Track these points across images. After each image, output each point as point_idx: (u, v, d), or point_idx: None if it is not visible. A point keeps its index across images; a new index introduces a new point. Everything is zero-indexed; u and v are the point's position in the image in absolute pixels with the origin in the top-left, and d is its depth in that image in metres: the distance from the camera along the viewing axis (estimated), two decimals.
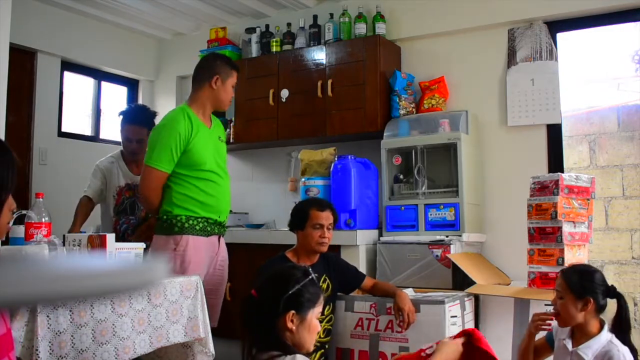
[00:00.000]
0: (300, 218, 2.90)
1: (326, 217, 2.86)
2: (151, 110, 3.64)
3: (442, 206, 3.57)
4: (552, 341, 2.35)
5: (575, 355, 2.15)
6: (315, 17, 4.31)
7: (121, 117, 3.52)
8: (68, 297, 0.50)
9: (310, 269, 1.91)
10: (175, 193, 2.79)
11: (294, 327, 1.80)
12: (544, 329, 2.35)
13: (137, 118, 3.49)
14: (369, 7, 4.17)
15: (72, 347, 1.98)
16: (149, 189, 2.82)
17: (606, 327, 2.16)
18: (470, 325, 3.07)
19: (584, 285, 2.16)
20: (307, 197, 3.61)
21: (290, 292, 1.81)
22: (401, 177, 3.81)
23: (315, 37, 4.27)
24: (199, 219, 2.81)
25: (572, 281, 2.17)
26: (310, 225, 2.85)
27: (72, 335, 1.98)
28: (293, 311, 1.80)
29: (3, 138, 3.02)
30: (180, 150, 2.76)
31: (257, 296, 1.87)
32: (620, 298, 2.22)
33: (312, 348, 1.88)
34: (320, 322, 1.92)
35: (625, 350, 2.12)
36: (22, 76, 4.30)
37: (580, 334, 2.18)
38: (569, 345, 2.18)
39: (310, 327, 1.83)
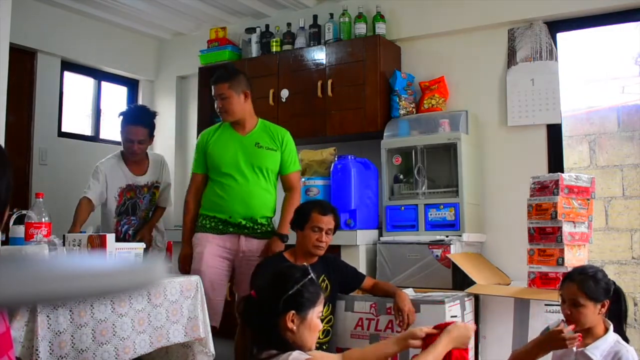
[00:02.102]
0: (301, 218, 2.90)
1: (327, 222, 2.86)
2: (151, 110, 3.64)
3: (442, 206, 3.57)
4: None
5: (582, 356, 2.14)
6: (315, 17, 4.31)
7: (121, 117, 3.52)
8: (68, 297, 0.50)
9: (309, 268, 1.91)
10: (204, 194, 3.13)
11: (294, 327, 1.80)
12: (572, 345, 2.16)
13: (138, 119, 3.49)
14: (369, 7, 4.17)
15: (72, 347, 1.98)
16: (187, 191, 3.21)
17: (611, 328, 2.16)
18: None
19: (600, 289, 2.14)
20: (312, 199, 3.61)
21: (289, 293, 1.81)
22: (401, 177, 3.81)
23: (315, 37, 4.27)
24: (210, 218, 3.05)
25: (589, 288, 2.12)
26: (309, 227, 2.85)
27: (72, 335, 1.98)
28: (293, 311, 1.79)
29: (3, 138, 3.02)
30: (201, 153, 3.12)
31: (257, 297, 1.87)
32: (619, 291, 2.23)
33: (314, 347, 1.87)
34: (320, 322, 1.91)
35: (632, 350, 2.12)
36: (22, 76, 4.30)
37: (586, 335, 2.17)
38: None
39: (311, 326, 1.83)
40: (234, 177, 3.02)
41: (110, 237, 2.30)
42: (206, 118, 4.51)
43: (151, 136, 3.55)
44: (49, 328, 1.91)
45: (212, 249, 3.00)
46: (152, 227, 3.56)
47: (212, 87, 3.09)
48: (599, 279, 2.16)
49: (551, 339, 2.16)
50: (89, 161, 3.82)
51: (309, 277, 1.85)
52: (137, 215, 3.54)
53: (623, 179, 4.05)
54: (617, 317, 2.21)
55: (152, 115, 3.58)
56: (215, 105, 3.09)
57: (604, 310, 2.15)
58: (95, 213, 3.55)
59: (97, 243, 2.26)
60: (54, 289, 0.48)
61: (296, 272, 1.87)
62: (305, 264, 2.49)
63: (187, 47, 5.03)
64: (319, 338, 2.76)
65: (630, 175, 4.03)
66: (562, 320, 2.26)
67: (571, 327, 2.13)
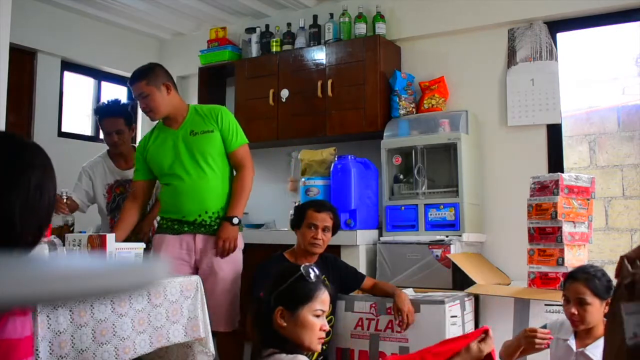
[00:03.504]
0: (298, 217, 2.93)
1: (322, 219, 2.86)
2: (125, 101, 3.68)
3: (442, 206, 3.57)
4: None
5: (582, 356, 2.14)
6: (315, 17, 4.31)
7: (96, 114, 3.56)
8: (68, 297, 0.50)
9: (307, 266, 1.93)
10: (160, 198, 3.11)
11: (284, 323, 1.82)
12: (538, 349, 2.21)
13: (111, 110, 3.47)
14: (369, 7, 4.17)
15: (72, 347, 1.98)
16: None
17: None
18: (470, 325, 3.07)
19: (606, 287, 2.15)
20: (312, 199, 3.61)
21: (280, 289, 1.85)
22: (401, 177, 3.81)
23: (315, 37, 4.27)
24: (165, 219, 3.01)
25: (596, 286, 2.13)
26: (305, 224, 2.86)
27: (72, 335, 1.98)
28: (282, 307, 1.83)
29: None
30: (141, 161, 3.06)
31: (262, 297, 1.92)
32: None
33: (316, 347, 1.87)
34: None
35: None
36: (22, 76, 4.30)
37: (586, 334, 2.17)
38: (574, 346, 2.18)
39: (302, 323, 1.83)
40: (178, 176, 2.90)
41: (110, 237, 2.29)
42: None
43: (129, 125, 3.50)
44: (49, 328, 1.91)
45: (168, 253, 2.91)
46: (152, 221, 3.48)
47: (131, 89, 2.95)
48: (601, 277, 2.17)
49: (525, 338, 2.19)
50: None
51: (299, 273, 1.88)
52: None
53: (623, 179, 4.05)
54: None
55: (126, 105, 3.58)
56: (140, 107, 2.97)
57: (607, 309, 2.15)
58: (96, 214, 3.55)
59: (97, 243, 2.26)
60: (54, 289, 0.48)
61: (290, 270, 1.92)
62: (307, 263, 2.50)
63: (187, 47, 5.03)
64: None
65: (630, 175, 4.02)
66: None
67: (547, 330, 2.18)
